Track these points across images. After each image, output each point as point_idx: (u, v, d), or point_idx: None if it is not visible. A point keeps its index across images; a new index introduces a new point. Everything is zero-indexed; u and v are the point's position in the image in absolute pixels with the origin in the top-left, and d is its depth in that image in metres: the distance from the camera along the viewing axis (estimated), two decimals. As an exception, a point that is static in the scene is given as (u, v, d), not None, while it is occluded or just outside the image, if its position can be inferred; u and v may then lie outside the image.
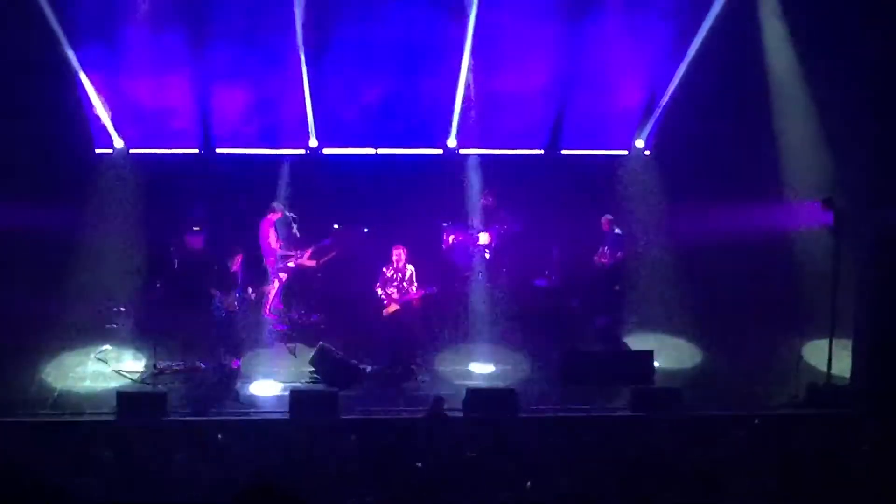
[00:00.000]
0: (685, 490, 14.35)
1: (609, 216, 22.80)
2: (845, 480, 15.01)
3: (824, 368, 19.65)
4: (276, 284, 22.53)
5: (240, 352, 20.83)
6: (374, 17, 22.99)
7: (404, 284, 20.80)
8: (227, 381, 20.11)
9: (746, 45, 23.07)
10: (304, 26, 23.02)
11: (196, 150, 24.30)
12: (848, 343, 20.11)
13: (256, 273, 21.81)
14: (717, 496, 14.18)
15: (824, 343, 19.64)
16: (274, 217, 22.42)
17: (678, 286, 22.81)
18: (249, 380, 20.30)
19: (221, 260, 20.89)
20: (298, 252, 22.40)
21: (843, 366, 19.94)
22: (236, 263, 20.65)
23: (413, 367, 20.76)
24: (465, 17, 23.27)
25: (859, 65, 20.22)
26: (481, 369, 21.10)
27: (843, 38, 20.71)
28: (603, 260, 22.83)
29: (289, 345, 21.65)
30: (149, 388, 19.81)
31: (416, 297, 20.89)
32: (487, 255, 24.04)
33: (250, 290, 20.92)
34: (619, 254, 22.57)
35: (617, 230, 22.54)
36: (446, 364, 21.23)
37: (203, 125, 23.99)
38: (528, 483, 14.68)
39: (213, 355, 20.51)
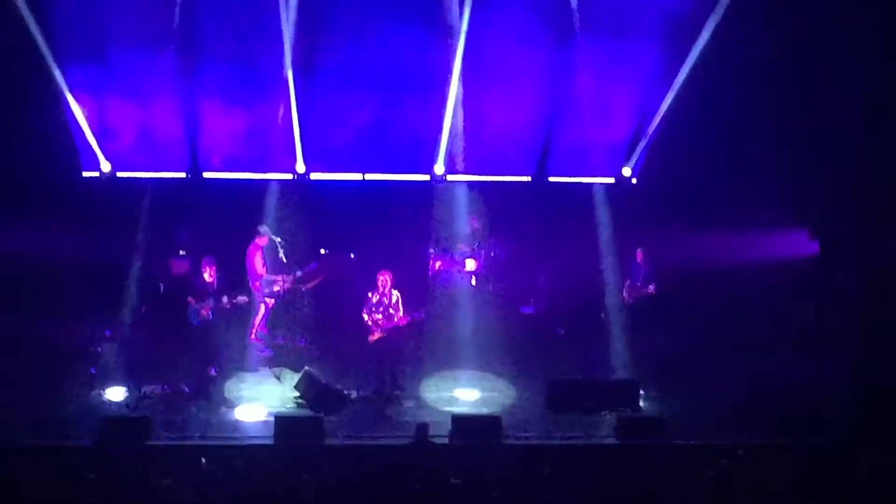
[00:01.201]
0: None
1: (643, 249, 22.51)
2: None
3: (812, 397, 19.66)
4: (262, 309, 22.50)
5: (216, 361, 20.81)
6: (362, 42, 23.01)
7: (390, 311, 20.77)
8: (210, 406, 20.10)
9: (735, 73, 23.14)
10: (292, 51, 23.05)
11: (183, 175, 24.28)
12: (835, 372, 20.13)
13: (232, 284, 21.70)
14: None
15: (811, 371, 19.66)
16: (261, 242, 22.38)
17: (662, 314, 22.78)
18: (231, 401, 20.32)
19: (197, 270, 20.96)
20: (284, 277, 22.36)
21: (830, 394, 19.94)
22: (210, 273, 20.70)
23: (398, 393, 20.73)
24: (454, 43, 23.33)
25: (849, 94, 20.31)
26: (466, 396, 21.08)
27: (833, 67, 20.81)
28: (633, 293, 22.45)
29: (273, 369, 21.61)
30: (133, 413, 19.75)
31: (402, 323, 20.85)
32: (474, 282, 24.07)
33: (225, 299, 20.84)
34: (650, 287, 22.25)
35: (651, 264, 22.26)
36: (431, 390, 21.21)
37: (191, 149, 23.97)
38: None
39: (195, 376, 20.52)
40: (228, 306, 20.81)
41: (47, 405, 19.98)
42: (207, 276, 20.80)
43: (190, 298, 20.80)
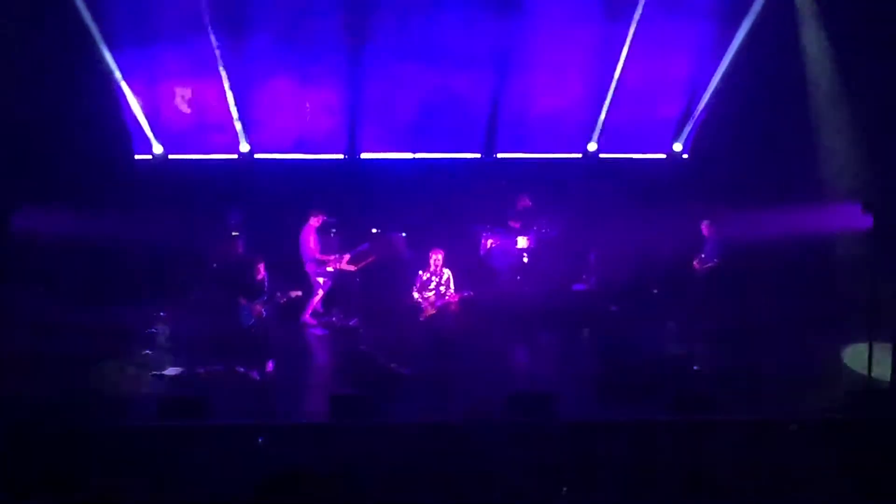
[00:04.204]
0: (725, 495, 14.33)
1: (708, 221, 22.49)
2: (886, 487, 14.94)
3: (864, 372, 19.51)
4: (320, 291, 22.61)
5: (272, 356, 20.90)
6: (413, 22, 23.07)
7: (441, 288, 20.78)
8: (265, 386, 20.25)
9: (785, 48, 23.02)
10: (344, 32, 23.13)
11: (235, 156, 24.41)
12: (888, 347, 19.97)
13: (285, 278, 21.82)
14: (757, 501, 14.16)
15: (864, 347, 19.49)
16: (315, 223, 22.48)
17: (716, 289, 22.72)
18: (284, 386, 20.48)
19: (247, 269, 20.99)
20: (337, 257, 22.46)
21: (883, 370, 19.79)
22: (260, 271, 20.75)
23: (451, 371, 20.75)
24: (504, 23, 23.33)
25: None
26: (517, 373, 21.07)
27: (884, 41, 20.64)
28: (699, 265, 22.40)
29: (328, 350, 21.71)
30: (189, 393, 19.89)
31: (454, 300, 20.86)
32: (525, 259, 24.06)
33: (279, 294, 20.88)
34: (714, 260, 22.19)
35: (717, 236, 22.26)
36: (485, 368, 21.20)
37: (244, 130, 24.10)
38: (565, 489, 14.67)
39: (249, 362, 20.62)
40: (283, 301, 20.84)
41: (104, 386, 20.17)
42: (258, 274, 20.81)
43: (241, 299, 20.83)
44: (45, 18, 22.01)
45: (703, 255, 22.17)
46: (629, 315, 23.42)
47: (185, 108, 24.23)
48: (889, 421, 18.01)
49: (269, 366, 20.75)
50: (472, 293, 21.24)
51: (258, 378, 20.33)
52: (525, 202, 24.26)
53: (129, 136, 24.02)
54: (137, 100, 23.82)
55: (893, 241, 19.21)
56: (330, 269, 22.44)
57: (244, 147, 24.30)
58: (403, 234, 23.85)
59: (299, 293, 21.21)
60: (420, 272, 20.96)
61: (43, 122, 22.21)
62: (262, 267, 20.76)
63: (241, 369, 20.48)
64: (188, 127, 24.39)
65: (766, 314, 22.46)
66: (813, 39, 22.69)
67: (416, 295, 20.96)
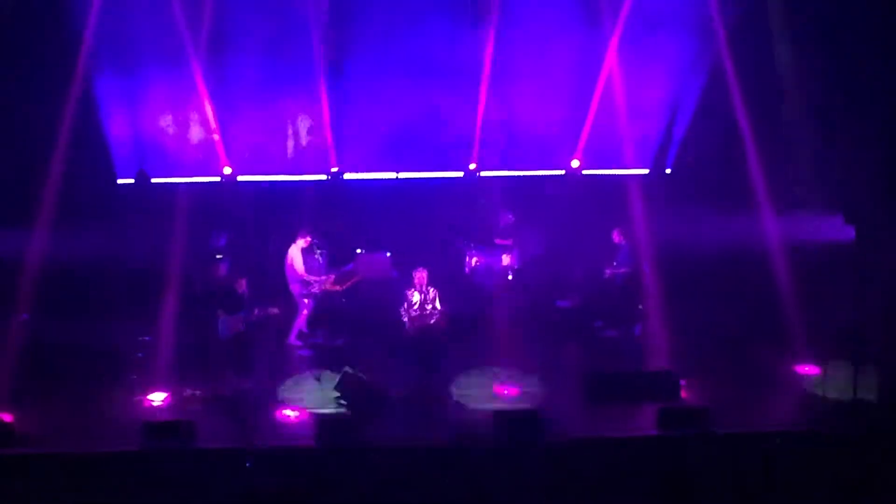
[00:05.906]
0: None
1: (620, 229, 22.48)
2: (874, 499, 14.97)
3: (850, 386, 19.52)
4: (305, 311, 22.58)
5: (253, 371, 20.86)
6: (392, 42, 23.13)
7: (427, 306, 20.74)
8: (254, 408, 20.21)
9: (762, 61, 23.09)
10: (323, 53, 23.18)
11: (217, 178, 24.40)
12: (873, 360, 19.99)
13: (263, 294, 21.80)
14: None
15: (849, 361, 19.51)
16: (302, 244, 22.46)
17: (701, 303, 22.74)
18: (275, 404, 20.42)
19: (229, 283, 20.97)
20: (322, 278, 22.44)
21: (869, 383, 19.81)
22: (242, 286, 20.72)
23: (438, 391, 20.72)
24: (485, 40, 23.39)
25: (884, 75, 20.20)
26: (506, 392, 21.05)
27: (866, 50, 20.72)
28: (610, 272, 22.44)
29: (314, 371, 21.66)
30: (176, 417, 19.83)
31: (439, 316, 20.83)
32: (510, 277, 24.06)
33: (256, 311, 20.82)
34: (626, 268, 22.25)
35: (628, 244, 22.28)
36: (471, 387, 21.18)
37: (224, 153, 24.11)
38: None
39: (230, 380, 20.56)
40: (256, 317, 20.78)
41: (90, 411, 20.10)
42: (239, 289, 20.75)
43: (219, 312, 20.77)
44: (29, 46, 22.03)
45: (615, 263, 22.25)
46: (614, 330, 23.43)
47: (168, 132, 24.23)
48: (873, 435, 18.06)
49: (246, 383, 20.68)
50: (446, 309, 21.13)
51: (245, 400, 20.31)
52: (508, 219, 24.28)
53: (111, 160, 23.99)
54: (120, 123, 23.79)
55: (875, 253, 19.27)
56: (315, 289, 22.41)
57: (227, 169, 24.28)
58: (388, 254, 23.85)
59: (276, 311, 21.12)
60: (407, 291, 20.92)
61: (26, 145, 22.22)
62: (244, 282, 20.73)
63: (228, 392, 20.45)
64: (170, 150, 24.37)
65: (751, 327, 22.49)
66: (787, 50, 22.77)
67: (402, 314, 20.91)
